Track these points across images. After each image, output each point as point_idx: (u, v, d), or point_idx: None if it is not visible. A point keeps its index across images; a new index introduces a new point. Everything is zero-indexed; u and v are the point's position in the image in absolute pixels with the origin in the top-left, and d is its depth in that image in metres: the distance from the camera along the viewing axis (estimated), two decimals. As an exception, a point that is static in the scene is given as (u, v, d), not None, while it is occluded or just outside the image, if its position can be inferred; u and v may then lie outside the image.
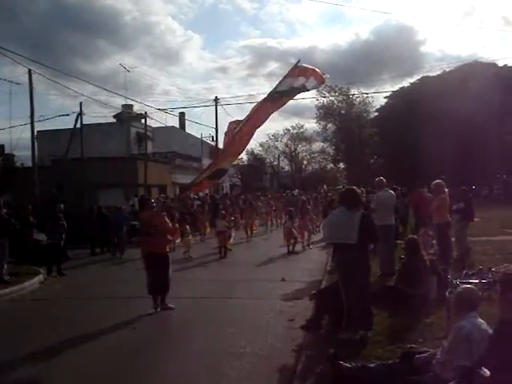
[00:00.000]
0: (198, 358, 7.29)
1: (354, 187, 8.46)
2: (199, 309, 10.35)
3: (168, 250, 10.57)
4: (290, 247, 18.36)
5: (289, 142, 79.95)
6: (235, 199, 34.08)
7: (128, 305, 9.85)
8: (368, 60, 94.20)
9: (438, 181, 12.42)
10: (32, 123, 27.28)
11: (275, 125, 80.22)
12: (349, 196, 7.81)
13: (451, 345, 4.66)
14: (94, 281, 14.24)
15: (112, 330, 8.81)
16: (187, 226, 19.16)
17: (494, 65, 49.51)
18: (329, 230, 7.89)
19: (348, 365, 5.68)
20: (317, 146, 77.06)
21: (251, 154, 77.93)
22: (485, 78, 44.29)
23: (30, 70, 26.44)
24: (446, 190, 12.39)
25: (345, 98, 66.28)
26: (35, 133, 28.62)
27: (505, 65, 49.55)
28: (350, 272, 7.31)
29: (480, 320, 4.68)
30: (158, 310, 9.91)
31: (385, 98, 59.13)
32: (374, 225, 7.99)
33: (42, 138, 35.05)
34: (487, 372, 4.03)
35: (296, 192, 26.57)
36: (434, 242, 12.54)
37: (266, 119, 11.43)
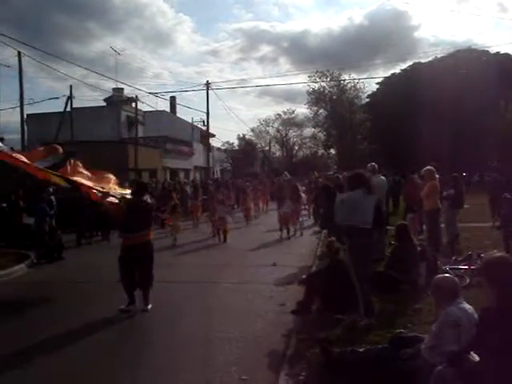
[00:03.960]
0: (186, 343, 7.30)
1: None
2: (188, 294, 10.32)
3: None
4: (283, 232, 18.38)
5: (280, 128, 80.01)
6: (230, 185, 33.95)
7: (118, 289, 9.81)
8: (361, 45, 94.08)
9: (428, 167, 12.40)
10: (21, 106, 27.12)
11: (267, 110, 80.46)
12: (365, 180, 7.74)
13: (439, 330, 4.69)
14: (84, 265, 14.21)
15: (99, 314, 8.73)
16: (179, 210, 19.18)
17: (487, 52, 49.59)
18: (347, 211, 7.48)
19: (338, 349, 5.72)
20: (308, 131, 77.19)
21: (242, 139, 77.94)
22: (477, 65, 44.37)
23: (19, 53, 26.23)
24: (437, 176, 12.39)
25: (336, 83, 66.22)
26: (25, 116, 28.44)
27: (497, 52, 49.63)
28: (364, 257, 7.29)
29: (467, 305, 4.71)
30: (131, 307, 9.01)
31: (376, 83, 59.15)
32: (384, 210, 7.94)
33: (31, 122, 34.84)
34: (476, 357, 4.07)
35: (286, 175, 26.59)
36: (424, 227, 12.58)
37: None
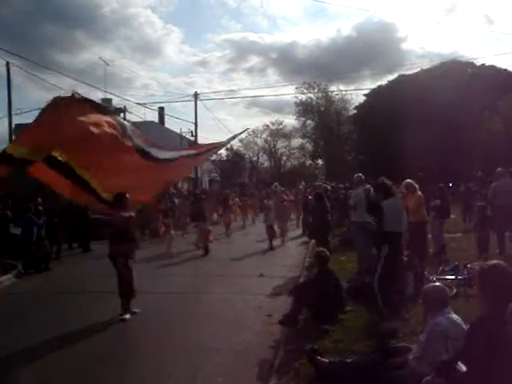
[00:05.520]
0: (174, 353, 7.26)
1: None
2: (177, 304, 10.28)
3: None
4: (272, 242, 18.38)
5: (268, 138, 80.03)
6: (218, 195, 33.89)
7: (105, 300, 9.76)
8: (349, 56, 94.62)
9: (408, 180, 12.28)
10: (10, 116, 26.95)
11: (255, 121, 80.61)
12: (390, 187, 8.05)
13: (427, 340, 4.71)
14: (72, 275, 14.13)
15: (87, 325, 8.68)
16: (170, 221, 19.21)
17: (472, 64, 50.12)
18: (400, 219, 7.99)
19: (326, 360, 5.72)
20: (296, 142, 77.23)
21: (231, 149, 77.91)
22: (463, 76, 44.81)
23: (7, 63, 26.12)
24: (418, 187, 12.32)
25: (324, 94, 66.49)
26: (13, 126, 28.27)
27: (483, 64, 50.16)
28: (399, 262, 7.57)
29: (455, 316, 4.74)
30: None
31: (364, 95, 59.50)
32: None
33: (19, 132, 34.57)
34: (463, 367, 4.09)
35: (276, 185, 26.45)
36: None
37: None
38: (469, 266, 9.88)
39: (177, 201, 27.20)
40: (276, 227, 19.10)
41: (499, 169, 13.14)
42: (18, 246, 15.64)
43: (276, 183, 27.04)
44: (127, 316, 9.03)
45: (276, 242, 18.60)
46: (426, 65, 60.88)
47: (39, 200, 16.36)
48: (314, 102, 68.13)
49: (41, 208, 16.43)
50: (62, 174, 8.06)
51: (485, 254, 11.84)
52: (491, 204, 12.99)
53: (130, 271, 9.25)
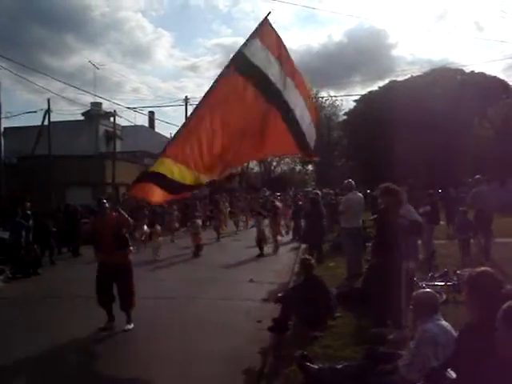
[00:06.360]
0: (162, 359, 7.21)
1: None
2: (164, 309, 10.23)
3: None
4: (263, 248, 18.33)
5: (258, 144, 79.95)
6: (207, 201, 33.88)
7: (94, 305, 9.67)
8: (340, 62, 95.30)
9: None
10: (-1, 119, 26.78)
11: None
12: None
13: (417, 347, 4.70)
14: (61, 280, 14.02)
15: (74, 331, 8.58)
16: (158, 227, 19.15)
17: (462, 71, 50.48)
18: None
19: (315, 366, 5.70)
20: (286, 147, 77.18)
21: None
22: (452, 83, 45.09)
23: (-4, 66, 25.98)
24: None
25: (314, 100, 66.67)
26: (1, 129, 28.13)
27: (472, 71, 50.54)
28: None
29: (444, 322, 4.74)
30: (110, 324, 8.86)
31: (354, 101, 59.72)
32: None
33: (8, 135, 34.41)
34: (453, 374, 4.07)
35: (265, 191, 26.36)
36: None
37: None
38: (458, 272, 9.93)
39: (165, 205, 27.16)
40: (267, 233, 19.07)
41: (477, 176, 13.87)
42: (6, 251, 15.53)
43: (264, 188, 27.12)
44: (131, 326, 8.78)
45: (266, 249, 18.51)
46: (416, 71, 61.48)
47: (28, 204, 16.23)
48: (304, 108, 68.29)
49: (29, 212, 16.31)
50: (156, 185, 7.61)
51: (466, 257, 12.48)
52: (472, 208, 13.52)
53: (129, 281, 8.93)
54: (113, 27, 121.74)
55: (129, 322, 8.85)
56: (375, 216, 10.18)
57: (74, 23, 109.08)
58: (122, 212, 9.07)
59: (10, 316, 10.11)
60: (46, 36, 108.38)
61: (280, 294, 8.83)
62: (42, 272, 14.96)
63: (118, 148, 42.08)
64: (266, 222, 20.04)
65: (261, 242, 18.33)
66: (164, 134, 55.28)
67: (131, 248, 9.22)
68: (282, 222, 21.85)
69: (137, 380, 6.47)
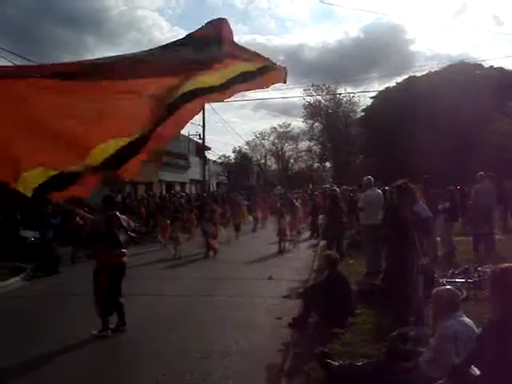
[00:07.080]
0: (183, 356, 7.25)
1: None
2: (185, 307, 10.28)
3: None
4: (282, 245, 18.34)
5: (275, 141, 79.93)
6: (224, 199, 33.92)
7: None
8: (357, 58, 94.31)
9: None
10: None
11: (262, 123, 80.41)
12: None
13: (438, 343, 4.69)
14: (81, 278, 14.10)
15: (93, 328, 8.46)
16: (177, 225, 19.22)
17: (480, 66, 49.89)
18: None
19: (336, 363, 5.70)
20: (303, 144, 77.06)
21: (238, 152, 77.92)
22: (471, 78, 44.62)
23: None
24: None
25: (332, 97, 66.48)
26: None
27: (491, 66, 49.93)
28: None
29: (467, 319, 4.71)
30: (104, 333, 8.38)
31: (371, 98, 59.33)
32: None
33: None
34: (477, 371, 4.05)
35: (279, 188, 26.26)
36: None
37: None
38: (479, 268, 9.84)
39: (184, 203, 27.29)
40: (288, 231, 19.02)
41: (481, 173, 13.88)
42: (29, 249, 15.70)
43: (279, 186, 27.00)
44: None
45: (285, 246, 18.51)
46: (435, 67, 60.88)
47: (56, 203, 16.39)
48: (322, 105, 68.14)
49: (50, 211, 16.41)
50: None
51: (476, 252, 12.56)
52: (475, 203, 13.44)
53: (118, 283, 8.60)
54: (130, 26, 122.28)
55: (121, 325, 8.59)
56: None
57: (92, 22, 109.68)
58: (120, 215, 8.86)
59: (29, 313, 10.19)
60: (64, 36, 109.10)
61: (302, 290, 8.84)
62: (63, 270, 15.06)
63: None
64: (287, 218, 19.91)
65: (281, 239, 18.30)
66: (181, 131, 55.47)
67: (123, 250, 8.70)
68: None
69: (157, 375, 6.50)
